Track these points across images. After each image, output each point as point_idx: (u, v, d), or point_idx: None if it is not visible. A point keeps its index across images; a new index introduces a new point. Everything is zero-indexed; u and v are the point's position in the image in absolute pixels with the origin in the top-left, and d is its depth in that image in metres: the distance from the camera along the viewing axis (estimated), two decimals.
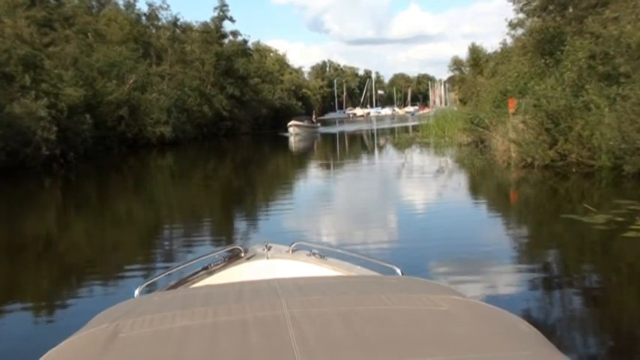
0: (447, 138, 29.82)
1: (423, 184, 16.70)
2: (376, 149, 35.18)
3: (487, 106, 25.38)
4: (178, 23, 54.78)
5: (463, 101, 75.92)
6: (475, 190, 15.83)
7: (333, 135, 53.23)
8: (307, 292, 2.05)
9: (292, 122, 50.94)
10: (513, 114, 20.90)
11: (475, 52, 52.64)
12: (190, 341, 1.68)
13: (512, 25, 31.36)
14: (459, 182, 16.97)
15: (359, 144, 42.26)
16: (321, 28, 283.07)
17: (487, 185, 16.48)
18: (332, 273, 3.28)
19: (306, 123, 53.28)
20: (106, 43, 41.74)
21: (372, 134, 53.06)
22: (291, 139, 45.88)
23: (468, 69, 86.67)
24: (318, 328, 1.70)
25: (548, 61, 18.70)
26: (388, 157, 26.86)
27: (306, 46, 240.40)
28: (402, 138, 34.35)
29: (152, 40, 50.95)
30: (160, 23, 54.29)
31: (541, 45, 23.23)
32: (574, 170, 15.73)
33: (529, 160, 16.11)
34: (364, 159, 28.28)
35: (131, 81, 38.91)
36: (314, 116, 59.00)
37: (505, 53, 30.04)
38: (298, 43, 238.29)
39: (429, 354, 1.57)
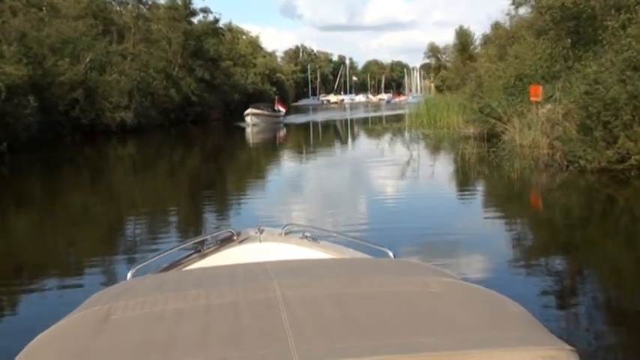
0: (447, 129, 26.35)
1: (445, 195, 12.86)
2: (363, 145, 29.15)
3: (496, 94, 22.04)
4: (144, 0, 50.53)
5: (439, 89, 73.16)
6: (540, 214, 10.99)
7: (303, 125, 47.45)
8: (299, 274, 2.05)
9: (249, 110, 42.86)
10: (538, 103, 17.60)
11: (463, 36, 49.24)
12: (183, 323, 1.68)
13: (517, 4, 28.29)
14: (501, 194, 12.97)
15: (337, 138, 36.60)
16: (294, 13, 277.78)
17: (551, 203, 11.79)
18: (324, 256, 3.25)
19: (266, 111, 45.39)
20: (61, 17, 37.38)
21: (351, 125, 47.86)
22: (248, 130, 39.74)
23: (445, 55, 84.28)
24: (310, 311, 1.70)
25: (602, 36, 15.19)
26: (382, 155, 21.19)
27: (278, 31, 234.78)
28: (393, 128, 30.67)
29: (114, 16, 46.51)
30: None
31: (562, 23, 19.98)
32: (632, 174, 12.43)
33: (581, 162, 12.63)
34: (350, 160, 21.77)
35: (87, 60, 34.65)
36: (277, 103, 51.00)
37: (511, 34, 26.68)
38: (270, 28, 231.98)
39: (420, 335, 1.57)
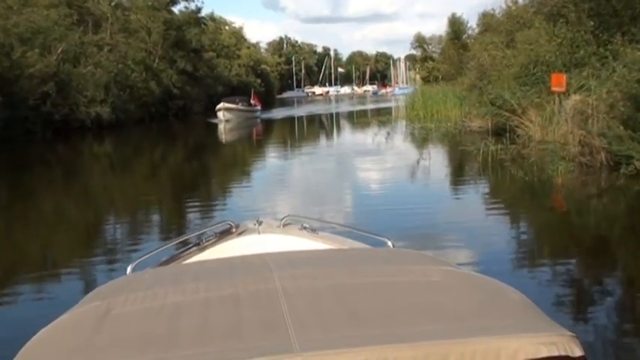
0: (448, 123, 24.45)
1: (490, 212, 9.96)
2: (360, 142, 24.22)
3: (505, 84, 20.16)
4: None
5: (426, 80, 71.43)
6: None
7: (285, 120, 43.75)
8: (299, 265, 2.05)
9: (222, 105, 39.16)
10: (562, 93, 15.73)
11: (456, 24, 47.34)
12: (183, 317, 1.66)
13: None
14: (566, 207, 10.35)
15: (325, 135, 32.08)
16: (277, 5, 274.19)
17: None
18: (323, 246, 3.24)
19: (240, 106, 41.44)
20: (32, 6, 34.97)
21: (339, 120, 44.54)
22: (221, 127, 36.32)
23: (431, 46, 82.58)
24: (310, 301, 1.69)
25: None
26: (386, 154, 18.24)
27: (261, 23, 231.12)
28: (390, 122, 28.68)
29: (89, 5, 44.00)
30: None
31: (582, 5, 18.16)
32: None
33: (637, 164, 10.67)
34: (350, 165, 17.20)
35: (59, 51, 32.28)
36: (253, 97, 46.72)
37: (517, 18, 24.80)
38: (253, 20, 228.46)
39: (420, 324, 1.56)
